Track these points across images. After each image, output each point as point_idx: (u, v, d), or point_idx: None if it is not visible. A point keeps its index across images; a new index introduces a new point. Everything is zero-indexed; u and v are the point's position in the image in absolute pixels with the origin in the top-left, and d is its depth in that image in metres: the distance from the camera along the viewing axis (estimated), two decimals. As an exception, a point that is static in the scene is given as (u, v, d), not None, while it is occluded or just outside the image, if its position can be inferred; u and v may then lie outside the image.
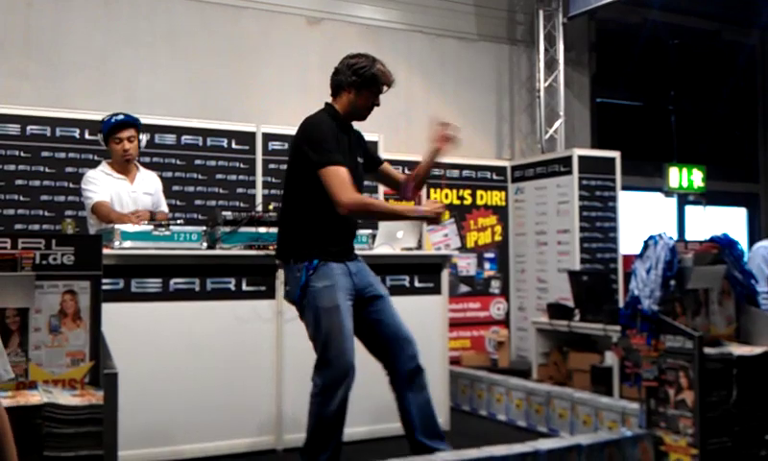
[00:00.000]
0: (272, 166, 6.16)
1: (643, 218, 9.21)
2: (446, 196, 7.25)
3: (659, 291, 3.21)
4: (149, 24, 6.77)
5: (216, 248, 4.15)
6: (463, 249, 7.26)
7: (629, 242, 7.01)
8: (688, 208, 10.22)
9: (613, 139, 8.88)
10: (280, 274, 4.23)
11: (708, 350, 3.13)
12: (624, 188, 7.33)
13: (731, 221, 10.54)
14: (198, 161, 5.96)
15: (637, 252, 3.38)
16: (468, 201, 7.38)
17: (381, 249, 4.54)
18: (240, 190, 6.08)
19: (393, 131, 6.82)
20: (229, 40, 7.07)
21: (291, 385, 4.20)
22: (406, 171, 6.87)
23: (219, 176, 6.03)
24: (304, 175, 3.34)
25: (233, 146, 6.09)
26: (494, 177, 7.57)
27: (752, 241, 9.47)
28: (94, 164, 4.78)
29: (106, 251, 3.60)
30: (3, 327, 2.20)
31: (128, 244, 3.91)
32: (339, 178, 3.25)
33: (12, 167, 5.41)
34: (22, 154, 5.44)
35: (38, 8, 6.38)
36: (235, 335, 4.16)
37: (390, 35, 7.73)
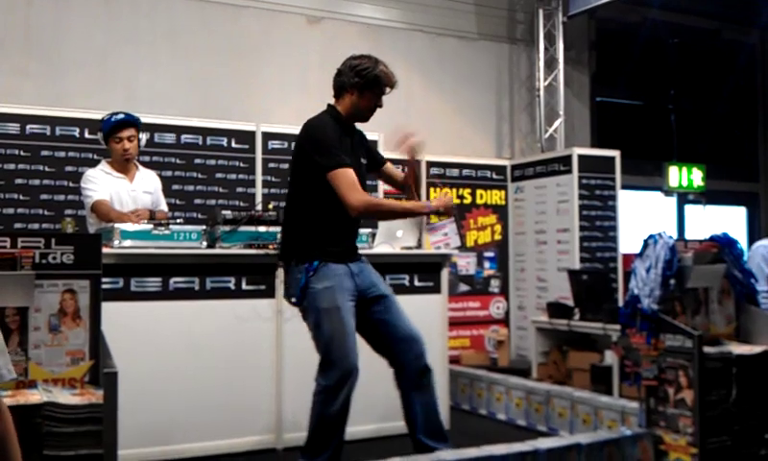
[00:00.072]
0: (272, 165, 6.16)
1: (643, 217, 9.21)
2: (445, 195, 7.23)
3: (658, 290, 3.21)
4: (149, 23, 6.77)
5: (216, 247, 4.15)
6: (462, 248, 7.25)
7: (628, 241, 7.01)
8: (688, 207, 10.22)
9: (613, 138, 8.89)
10: (280, 273, 4.23)
11: (707, 349, 3.13)
12: (624, 187, 7.33)
13: (730, 220, 10.54)
14: (198, 160, 5.96)
15: (637, 251, 3.38)
16: (468, 200, 7.38)
17: (381, 248, 4.54)
18: (240, 189, 6.08)
19: (392, 129, 6.81)
20: (230, 39, 7.06)
21: (291, 384, 4.20)
22: (406, 170, 6.92)
23: (219, 175, 6.03)
24: (307, 177, 3.34)
25: (233, 145, 6.09)
26: (494, 176, 7.57)
27: (751, 240, 9.46)
28: (94, 163, 4.78)
29: (105, 250, 3.60)
30: (2, 326, 2.19)
31: (127, 243, 3.91)
32: (348, 180, 3.26)
33: (12, 166, 5.41)
34: (22, 153, 5.44)
35: (38, 6, 6.38)
36: (235, 334, 4.16)
37: (390, 33, 7.73)
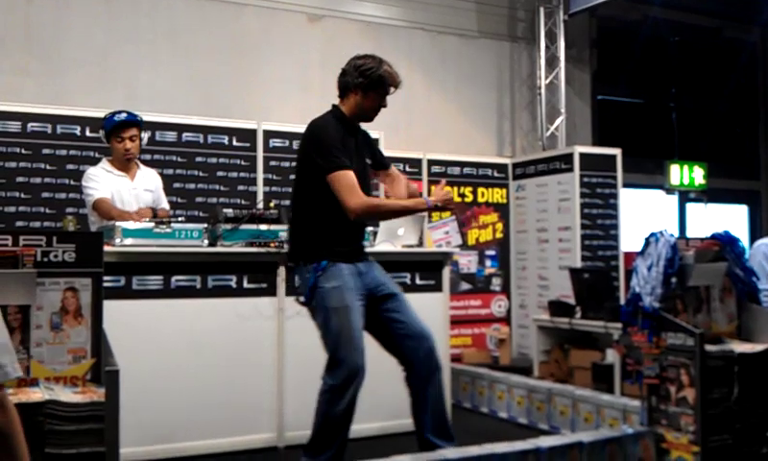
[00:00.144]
0: (273, 163, 6.16)
1: (644, 215, 9.21)
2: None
3: (660, 288, 3.20)
4: (150, 21, 6.76)
5: (217, 245, 4.16)
6: (464, 246, 7.26)
7: (630, 239, 7.00)
8: (689, 206, 10.22)
9: (614, 136, 8.88)
10: (281, 271, 4.24)
11: (709, 347, 3.12)
12: (625, 185, 7.32)
13: (732, 218, 10.53)
14: (199, 159, 5.96)
15: (639, 249, 3.37)
16: (470, 198, 7.37)
17: (382, 246, 4.54)
18: (241, 187, 6.08)
19: (393, 128, 6.81)
20: (230, 38, 7.06)
21: (292, 382, 4.20)
22: (407, 169, 6.93)
23: (220, 173, 6.03)
24: (312, 178, 3.35)
25: (234, 143, 6.08)
26: (495, 174, 7.56)
27: (753, 238, 9.47)
28: (95, 161, 4.78)
29: (107, 248, 3.62)
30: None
31: (129, 241, 3.91)
32: (347, 183, 3.26)
33: (13, 164, 5.41)
34: (23, 151, 5.43)
35: (39, 4, 6.37)
36: (236, 332, 4.16)
37: (391, 32, 7.73)
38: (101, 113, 4.65)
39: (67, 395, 2.12)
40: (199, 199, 5.92)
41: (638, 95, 10.02)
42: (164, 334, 4.00)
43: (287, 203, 5.26)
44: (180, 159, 5.89)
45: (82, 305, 2.31)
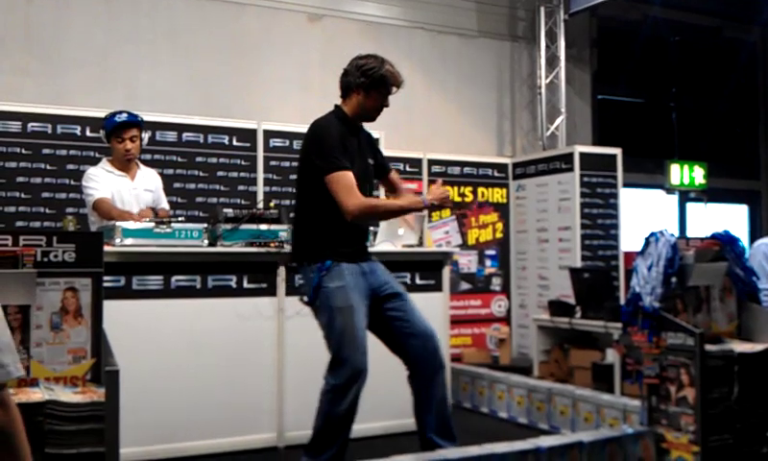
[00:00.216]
0: (273, 163, 6.16)
1: (644, 215, 9.20)
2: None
3: (660, 288, 3.20)
4: (150, 21, 6.76)
5: (217, 245, 4.16)
6: (464, 246, 7.26)
7: (630, 239, 7.00)
8: (690, 205, 10.21)
9: (615, 136, 8.87)
10: (281, 271, 4.24)
11: (709, 347, 3.12)
12: (625, 185, 7.32)
13: (732, 218, 10.53)
14: (199, 159, 5.96)
15: (639, 249, 3.37)
16: (470, 198, 7.37)
17: (382, 246, 4.54)
18: (241, 187, 6.08)
19: (393, 128, 6.81)
20: (230, 37, 7.06)
21: (292, 382, 4.20)
22: (407, 168, 6.93)
23: (220, 173, 6.03)
24: (313, 179, 3.35)
25: (234, 143, 6.08)
26: (496, 174, 7.56)
27: (753, 238, 9.47)
28: (95, 161, 4.78)
29: (107, 248, 3.62)
30: (4, 324, 2.19)
31: (129, 241, 3.91)
32: (344, 184, 3.27)
33: (14, 164, 5.41)
34: (23, 151, 5.44)
35: (39, 4, 6.37)
36: (237, 332, 4.16)
37: (391, 31, 7.73)
38: (101, 113, 4.65)
39: (67, 395, 2.12)
40: (199, 199, 5.92)
41: (639, 95, 10.01)
42: (164, 334, 4.00)
43: (287, 203, 5.29)
44: (180, 159, 5.89)
45: (82, 305, 2.31)
